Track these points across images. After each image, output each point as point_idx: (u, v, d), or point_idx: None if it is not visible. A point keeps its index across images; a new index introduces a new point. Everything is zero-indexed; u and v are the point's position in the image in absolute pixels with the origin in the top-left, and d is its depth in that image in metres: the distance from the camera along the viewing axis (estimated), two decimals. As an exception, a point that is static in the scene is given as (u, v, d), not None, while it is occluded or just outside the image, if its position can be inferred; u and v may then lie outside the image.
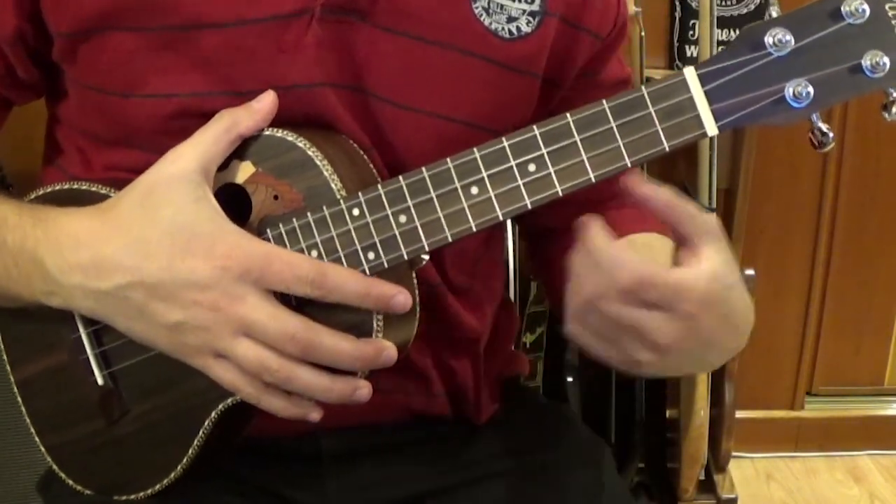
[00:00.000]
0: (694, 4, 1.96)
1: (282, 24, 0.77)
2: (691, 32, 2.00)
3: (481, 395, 0.95)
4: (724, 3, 2.00)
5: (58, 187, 0.82)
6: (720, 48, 2.00)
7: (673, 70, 2.03)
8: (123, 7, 0.77)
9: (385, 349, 0.71)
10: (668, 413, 1.92)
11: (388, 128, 0.81)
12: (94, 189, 0.81)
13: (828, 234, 2.21)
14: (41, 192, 0.83)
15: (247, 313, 0.69)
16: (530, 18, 0.82)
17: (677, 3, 2.00)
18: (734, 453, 1.95)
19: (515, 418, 0.97)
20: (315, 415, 0.74)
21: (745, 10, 2.01)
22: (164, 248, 0.70)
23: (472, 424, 0.94)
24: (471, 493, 0.89)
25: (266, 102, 0.73)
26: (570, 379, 1.81)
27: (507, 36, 0.82)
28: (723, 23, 1.99)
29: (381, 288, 0.70)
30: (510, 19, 0.82)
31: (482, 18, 0.81)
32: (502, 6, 0.81)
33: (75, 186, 0.82)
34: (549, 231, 0.95)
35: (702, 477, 1.90)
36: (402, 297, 0.71)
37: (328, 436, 0.88)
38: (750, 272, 1.82)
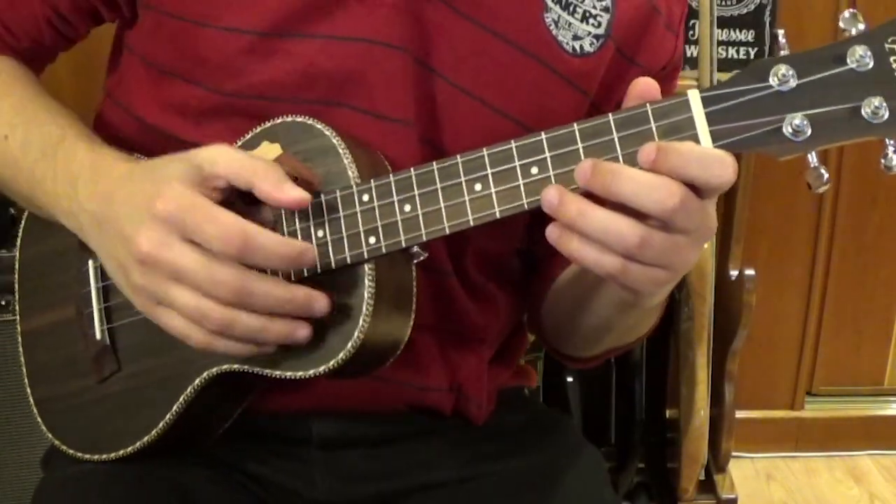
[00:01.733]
0: (694, 4, 1.96)
1: None
2: (691, 32, 2.00)
3: (484, 396, 0.95)
4: (724, 3, 2.00)
5: None
6: (720, 48, 2.01)
7: (673, 70, 2.03)
8: None
9: (316, 299, 0.73)
10: (668, 413, 1.92)
11: (441, 105, 0.83)
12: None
13: (828, 234, 2.21)
14: None
15: (174, 259, 0.70)
16: (594, 40, 0.86)
17: (677, 4, 2.00)
18: (734, 453, 1.96)
19: (508, 421, 0.97)
20: (270, 349, 0.75)
21: (745, 10, 2.01)
22: (137, 190, 0.74)
23: (467, 423, 0.94)
24: (454, 493, 0.90)
25: (291, 196, 0.72)
26: (570, 379, 1.81)
27: (570, 51, 0.85)
28: (723, 23, 1.99)
29: (305, 257, 0.72)
30: (575, 38, 0.85)
31: (550, 28, 0.84)
32: (570, 24, 0.85)
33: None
34: (539, 260, 0.96)
35: (702, 477, 1.90)
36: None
37: (320, 420, 0.89)
38: (750, 272, 1.82)
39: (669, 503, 1.89)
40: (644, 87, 0.67)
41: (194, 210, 0.70)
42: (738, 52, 2.04)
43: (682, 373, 1.82)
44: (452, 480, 0.91)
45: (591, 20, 0.85)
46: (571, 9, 0.85)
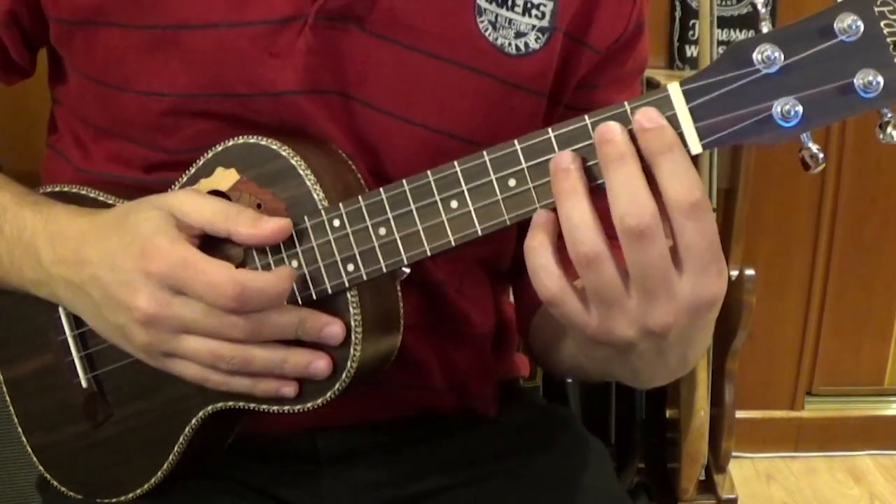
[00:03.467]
0: (694, 4, 1.96)
1: (274, 28, 0.76)
2: (691, 32, 2.00)
3: (490, 389, 0.95)
4: (724, 3, 2.00)
5: (58, 189, 0.83)
6: (720, 48, 2.00)
7: (673, 70, 2.03)
8: (114, 2, 0.77)
9: (329, 323, 0.71)
10: (668, 413, 1.92)
11: (376, 136, 0.80)
12: (92, 195, 0.82)
13: (828, 234, 2.21)
14: (48, 189, 0.84)
15: (178, 314, 0.69)
16: (539, 34, 0.81)
17: (677, 3, 2.01)
18: (734, 453, 1.95)
19: (513, 419, 0.97)
20: (288, 390, 0.73)
21: (745, 10, 2.01)
22: (116, 249, 0.71)
23: (472, 423, 0.94)
24: (467, 494, 0.89)
25: (270, 229, 0.70)
26: (570, 379, 1.81)
27: (514, 52, 0.80)
28: (723, 23, 1.99)
29: (287, 282, 0.70)
30: (518, 34, 0.80)
31: (487, 33, 0.79)
32: (511, 20, 0.80)
33: (75, 191, 0.83)
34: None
35: (702, 477, 1.90)
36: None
37: (324, 435, 0.88)
38: (750, 272, 1.82)
39: (669, 503, 1.89)
40: None
41: (185, 267, 0.68)
42: (738, 51, 2.03)
43: (682, 373, 1.82)
44: (464, 481, 0.90)
45: (533, 11, 0.80)
46: (510, 3, 0.79)
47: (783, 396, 2.35)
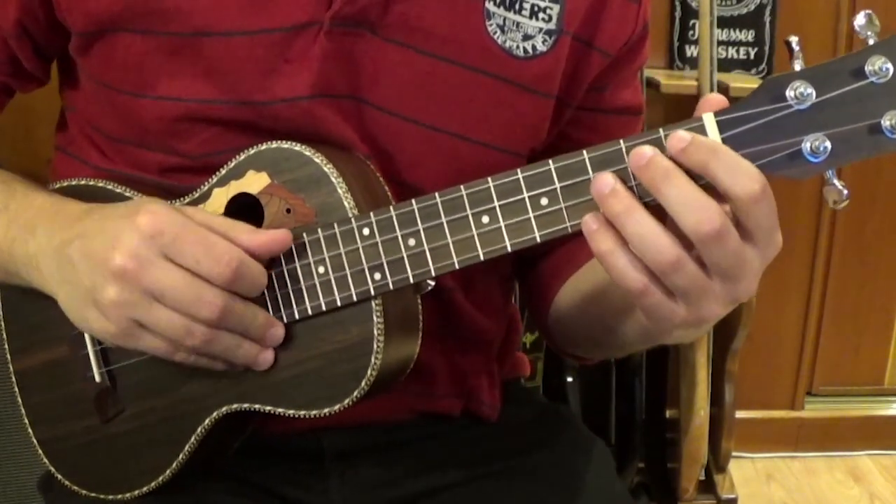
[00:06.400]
0: (694, 4, 1.96)
1: (290, 35, 0.77)
2: (691, 32, 2.00)
3: (496, 395, 0.95)
4: (724, 3, 2.00)
5: (83, 182, 0.84)
6: (720, 48, 2.00)
7: (673, 70, 2.03)
8: (133, 10, 0.78)
9: (276, 325, 0.74)
10: (668, 413, 1.92)
11: (388, 138, 0.80)
12: (109, 187, 0.82)
13: (828, 234, 2.21)
14: (64, 183, 0.84)
15: (156, 277, 0.69)
16: (546, 37, 0.82)
17: (677, 3, 2.01)
18: (734, 453, 1.96)
19: (516, 418, 0.97)
20: (264, 357, 0.75)
21: (744, 10, 2.02)
22: (112, 214, 0.72)
23: (477, 421, 0.94)
24: (470, 491, 0.90)
25: (266, 240, 0.72)
26: (570, 379, 1.81)
27: (522, 54, 0.81)
28: (723, 23, 1.99)
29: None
30: (526, 37, 0.81)
31: (496, 36, 0.80)
32: (518, 24, 0.81)
33: (97, 184, 0.83)
34: (534, 258, 0.95)
35: (702, 477, 1.90)
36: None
37: (330, 434, 0.88)
38: (750, 272, 1.82)
39: (669, 503, 1.89)
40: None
41: (185, 231, 0.69)
42: (738, 52, 2.04)
43: (682, 373, 1.82)
44: (467, 479, 0.90)
45: (540, 14, 0.81)
46: (517, 6, 0.81)
47: (783, 396, 2.35)
